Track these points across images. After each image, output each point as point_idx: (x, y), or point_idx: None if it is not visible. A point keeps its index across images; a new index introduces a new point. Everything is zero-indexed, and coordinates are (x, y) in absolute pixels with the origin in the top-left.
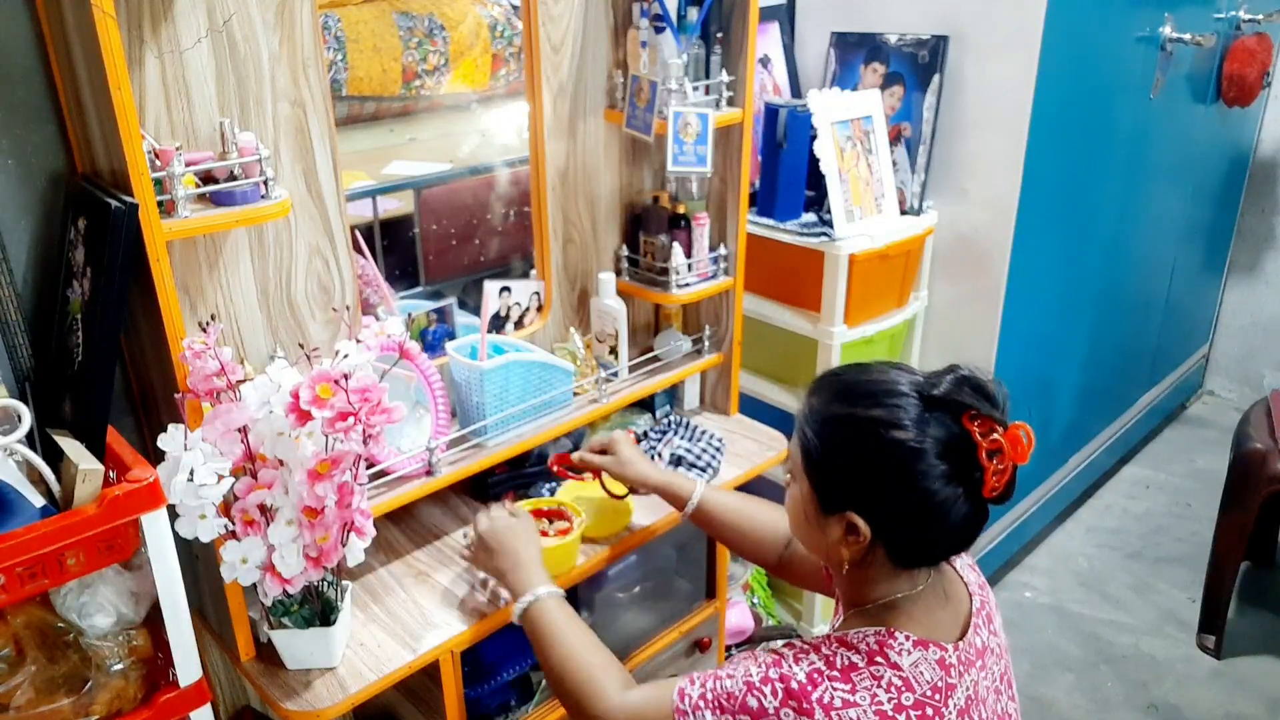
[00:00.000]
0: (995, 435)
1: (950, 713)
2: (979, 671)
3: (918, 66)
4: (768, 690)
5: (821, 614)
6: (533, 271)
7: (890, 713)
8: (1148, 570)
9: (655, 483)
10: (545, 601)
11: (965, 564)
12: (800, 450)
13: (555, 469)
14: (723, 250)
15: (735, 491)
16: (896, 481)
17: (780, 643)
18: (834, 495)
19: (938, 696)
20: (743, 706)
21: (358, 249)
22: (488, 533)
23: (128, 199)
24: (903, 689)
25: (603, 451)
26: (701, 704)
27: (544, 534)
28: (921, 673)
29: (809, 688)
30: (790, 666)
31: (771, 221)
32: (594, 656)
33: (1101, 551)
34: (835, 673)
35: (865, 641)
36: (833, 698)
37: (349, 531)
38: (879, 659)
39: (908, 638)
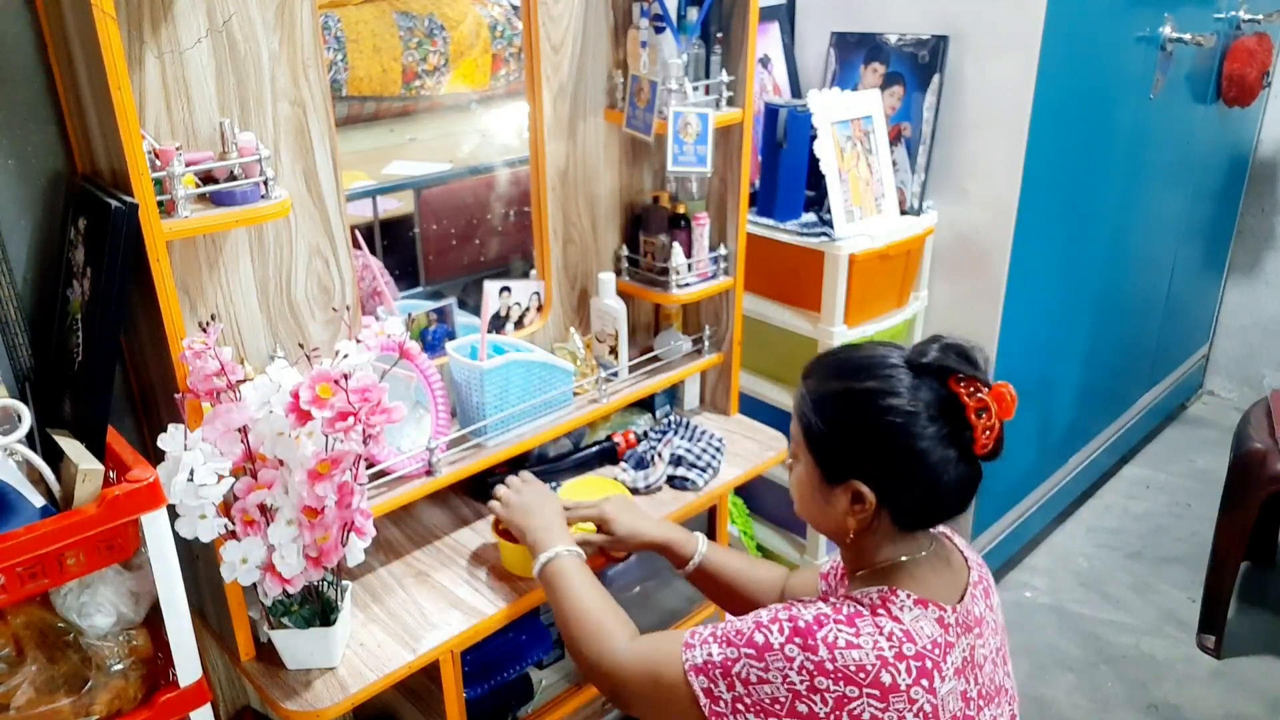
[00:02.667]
0: (980, 395)
1: (948, 669)
2: (976, 638)
3: (918, 66)
4: (775, 628)
5: None
6: (533, 271)
7: (891, 660)
8: (1148, 570)
9: (655, 540)
10: (564, 559)
11: (964, 544)
12: (801, 430)
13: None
14: (723, 250)
15: (731, 550)
16: (895, 446)
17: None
18: (837, 466)
19: (937, 651)
20: (749, 641)
21: (355, 245)
22: (516, 496)
23: (128, 199)
24: (904, 640)
25: (598, 523)
26: (710, 639)
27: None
28: (922, 628)
29: (815, 627)
30: (799, 610)
31: (771, 221)
32: (605, 610)
33: (1101, 551)
34: (841, 618)
35: (869, 596)
36: (837, 638)
37: (349, 531)
38: (881, 611)
39: (909, 595)
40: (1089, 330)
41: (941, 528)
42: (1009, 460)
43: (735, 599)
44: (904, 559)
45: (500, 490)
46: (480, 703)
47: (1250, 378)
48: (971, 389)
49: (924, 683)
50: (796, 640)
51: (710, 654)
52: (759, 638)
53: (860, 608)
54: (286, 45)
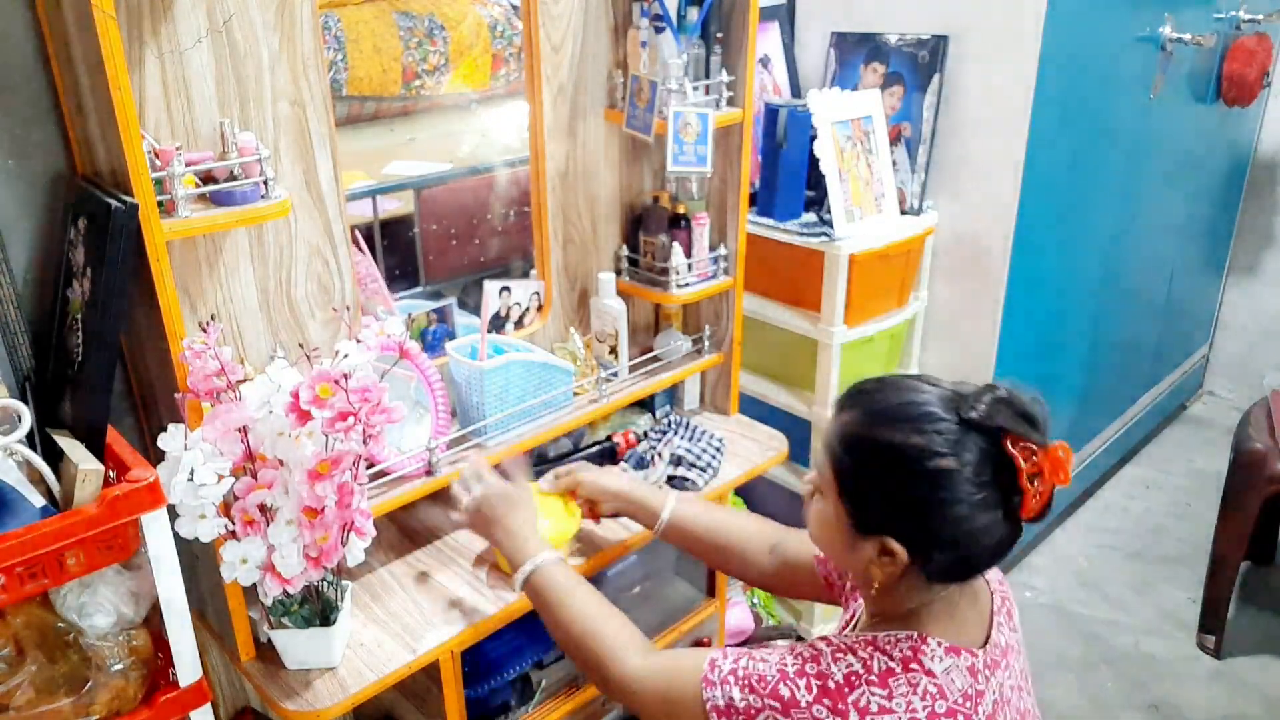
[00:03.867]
0: (1036, 459)
1: (979, 719)
2: (1003, 673)
3: (918, 66)
4: (802, 684)
5: (822, 614)
6: (533, 271)
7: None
8: (1148, 570)
9: (619, 493)
10: (546, 568)
11: None
12: (831, 470)
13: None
14: (723, 250)
15: (709, 503)
16: (936, 508)
17: (816, 637)
18: (870, 518)
19: (968, 704)
20: (774, 693)
21: (356, 246)
22: (482, 500)
23: (128, 199)
24: (937, 696)
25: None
26: (731, 679)
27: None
28: (953, 680)
29: (846, 689)
30: (829, 664)
31: (771, 221)
32: (606, 619)
33: (1101, 551)
34: (873, 677)
35: (899, 647)
36: (869, 702)
37: (349, 531)
38: (914, 665)
39: (939, 644)
40: (1089, 330)
41: None
42: None
43: (717, 556)
44: (930, 600)
45: (456, 492)
46: (480, 703)
47: (1250, 378)
48: (1028, 452)
49: None
50: (826, 702)
51: (732, 698)
52: (784, 691)
53: (891, 662)
54: (286, 45)
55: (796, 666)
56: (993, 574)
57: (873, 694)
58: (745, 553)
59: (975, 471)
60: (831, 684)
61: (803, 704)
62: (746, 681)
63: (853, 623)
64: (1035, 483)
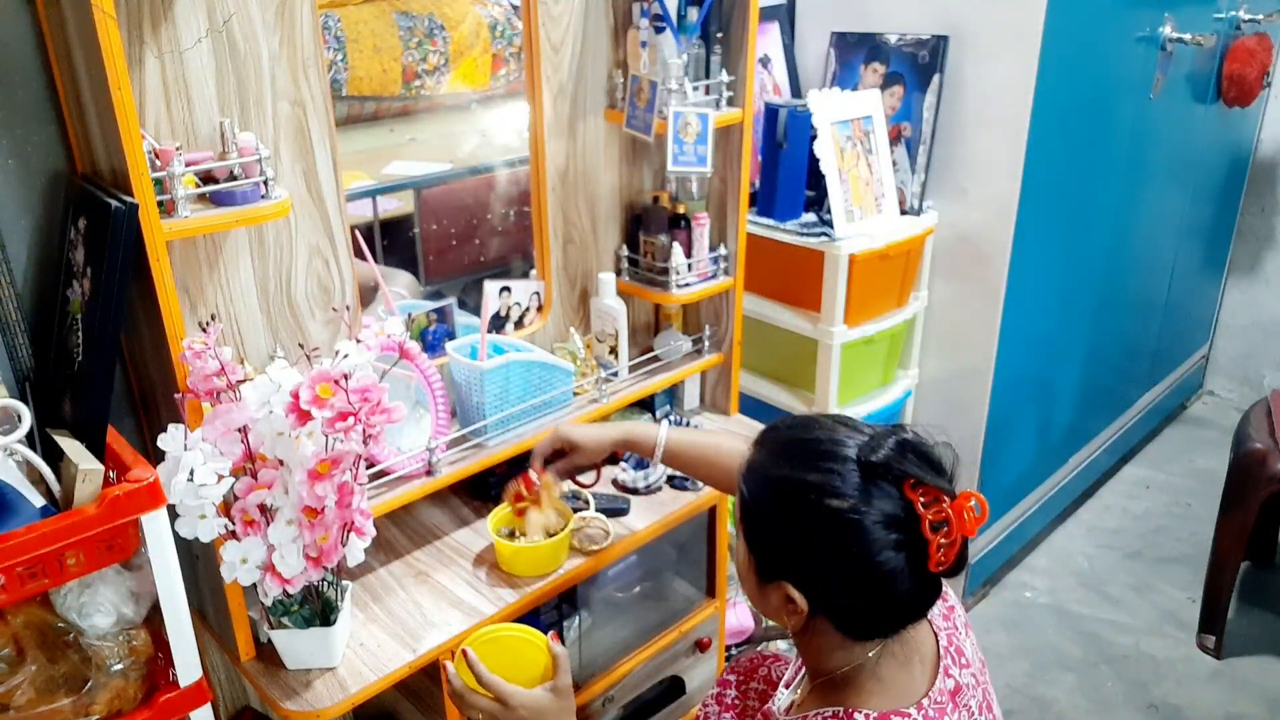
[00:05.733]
0: (941, 506)
1: None
2: (953, 714)
3: (918, 66)
4: None
5: None
6: (533, 271)
7: None
8: (1148, 570)
9: (617, 438)
10: None
11: None
12: (739, 509)
13: (515, 506)
14: (723, 250)
15: (703, 431)
16: (832, 553)
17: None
18: (771, 562)
19: None
20: None
21: (359, 254)
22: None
23: (128, 199)
24: None
25: (557, 455)
26: None
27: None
28: None
29: None
30: None
31: (771, 221)
32: None
33: (1101, 551)
34: None
35: None
36: None
37: (349, 531)
38: None
39: (867, 716)
40: (1089, 330)
41: None
42: (1009, 460)
43: (710, 472)
44: (858, 665)
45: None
46: None
47: (1250, 378)
48: (931, 498)
49: None
50: None
51: None
52: None
53: None
54: (286, 45)
55: None
56: (936, 609)
57: None
58: (734, 470)
59: (877, 517)
60: None
61: None
62: None
63: (798, 677)
64: (940, 533)
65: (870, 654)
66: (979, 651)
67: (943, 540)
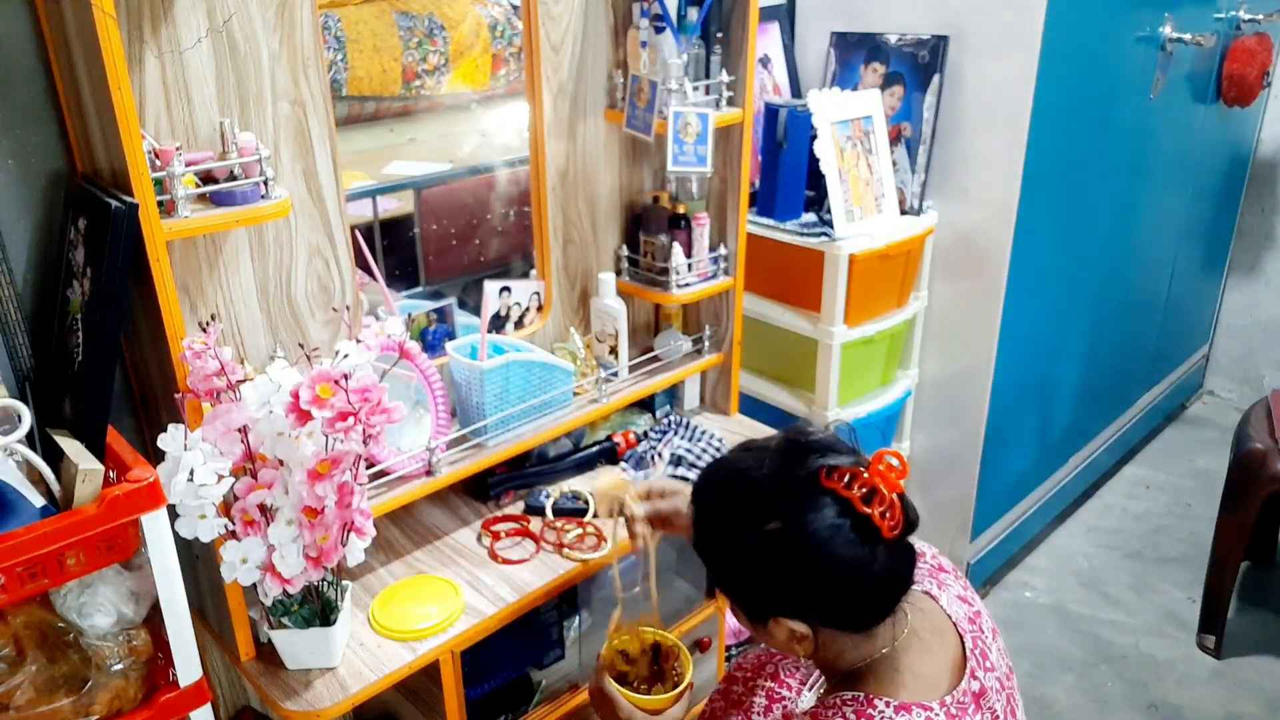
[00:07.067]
0: (862, 478)
1: None
2: (977, 714)
3: (918, 66)
4: None
5: None
6: (533, 271)
7: None
8: (1148, 570)
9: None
10: None
11: (954, 595)
12: (709, 577)
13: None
14: (723, 250)
15: None
16: (798, 570)
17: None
18: (754, 607)
19: None
20: None
21: (364, 265)
22: None
23: (128, 199)
24: None
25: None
26: None
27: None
28: None
29: None
30: None
31: (771, 221)
32: None
33: (1101, 551)
34: None
35: (842, 713)
36: None
37: (349, 531)
38: None
39: (888, 704)
40: (1089, 330)
41: (926, 584)
42: (1009, 460)
43: None
44: (875, 658)
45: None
46: (480, 703)
47: (1250, 378)
48: (848, 477)
49: None
50: None
51: None
52: None
53: None
54: (286, 45)
55: None
56: (961, 610)
57: None
58: None
59: (816, 519)
60: None
61: None
62: None
63: (817, 678)
64: (873, 503)
65: (886, 646)
66: (1006, 657)
67: (880, 509)
